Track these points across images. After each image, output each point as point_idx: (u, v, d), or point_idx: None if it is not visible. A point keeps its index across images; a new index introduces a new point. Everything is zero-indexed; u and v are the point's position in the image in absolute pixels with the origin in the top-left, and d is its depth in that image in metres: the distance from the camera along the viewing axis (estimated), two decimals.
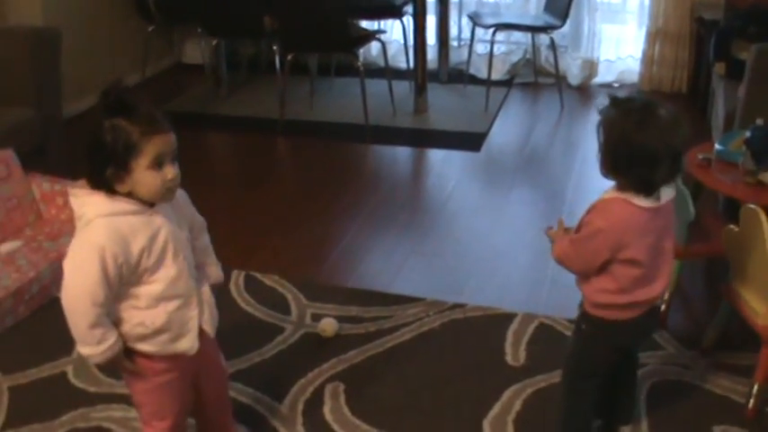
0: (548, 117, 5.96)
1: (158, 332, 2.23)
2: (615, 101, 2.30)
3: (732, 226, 3.01)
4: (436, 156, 5.39)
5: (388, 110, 5.90)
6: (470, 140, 5.48)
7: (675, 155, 2.25)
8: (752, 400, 2.93)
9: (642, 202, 2.29)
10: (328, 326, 3.37)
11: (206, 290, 2.38)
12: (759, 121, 3.26)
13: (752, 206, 2.84)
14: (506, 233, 4.25)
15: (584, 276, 2.45)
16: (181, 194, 2.35)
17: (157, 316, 2.21)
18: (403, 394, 3.04)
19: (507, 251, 4.05)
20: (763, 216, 2.77)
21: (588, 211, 2.36)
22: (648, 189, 2.28)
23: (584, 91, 6.41)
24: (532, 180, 4.91)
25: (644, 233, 2.32)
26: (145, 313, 2.21)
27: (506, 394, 3.02)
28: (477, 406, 2.97)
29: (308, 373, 3.14)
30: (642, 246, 2.33)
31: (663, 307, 3.47)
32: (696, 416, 2.93)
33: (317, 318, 3.45)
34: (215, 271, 2.51)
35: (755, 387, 2.92)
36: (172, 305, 2.23)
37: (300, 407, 2.97)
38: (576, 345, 2.62)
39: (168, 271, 2.21)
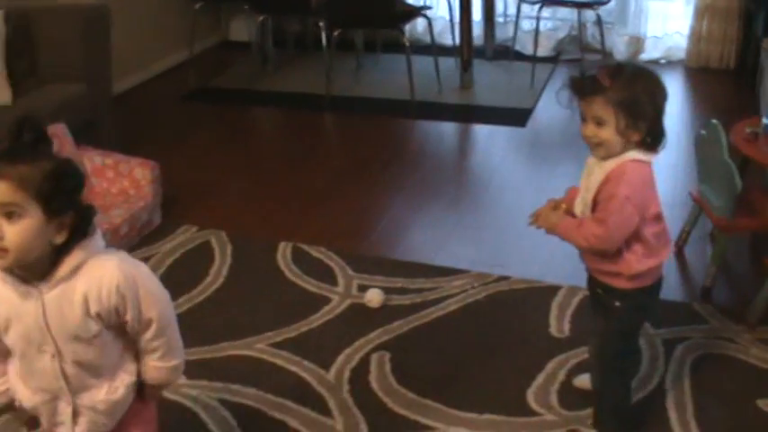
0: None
1: (32, 410, 2.02)
2: (613, 72, 2.24)
3: None
4: (482, 131, 5.42)
5: (434, 86, 5.93)
6: (516, 116, 5.49)
7: None
8: None
9: (647, 156, 2.30)
10: (374, 296, 3.42)
11: (98, 397, 1.99)
12: None
13: None
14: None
15: (614, 254, 2.38)
16: (121, 287, 1.87)
17: (24, 396, 2.00)
18: (447, 364, 3.09)
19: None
20: None
21: (603, 185, 2.30)
22: (663, 140, 2.31)
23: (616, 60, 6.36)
24: (577, 156, 4.83)
25: (653, 184, 2.36)
26: (15, 385, 2.01)
27: (550, 365, 3.06)
28: (520, 376, 3.01)
29: (355, 343, 3.20)
30: (657, 198, 2.38)
31: (708, 281, 3.49)
32: (740, 390, 2.94)
33: (363, 289, 3.51)
34: (151, 370, 2.04)
35: None
36: (38, 397, 1.98)
37: (347, 375, 3.03)
38: (615, 324, 2.54)
39: (30, 361, 1.93)
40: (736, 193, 3.24)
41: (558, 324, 3.30)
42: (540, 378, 3.00)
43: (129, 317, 1.91)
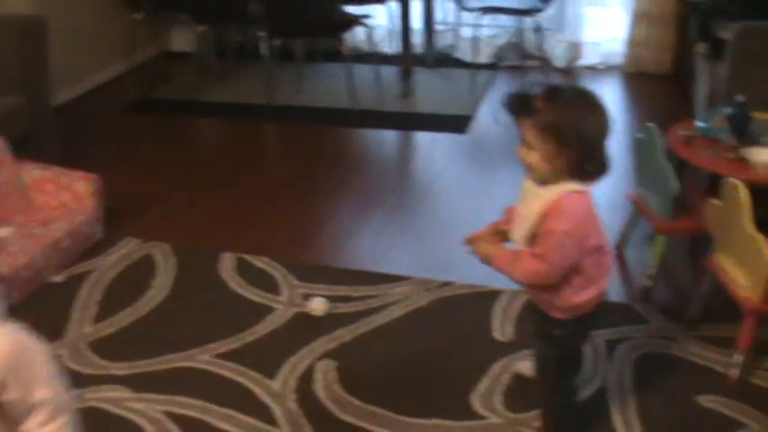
0: None
1: None
2: (550, 94, 2.14)
3: (714, 200, 3.07)
4: (423, 139, 5.45)
5: (375, 94, 5.94)
6: (456, 123, 5.52)
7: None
8: (735, 370, 3.00)
9: (584, 186, 2.22)
10: (318, 305, 3.42)
11: None
12: (740, 98, 3.32)
13: (733, 180, 2.90)
14: (493, 213, 4.24)
15: (552, 287, 2.34)
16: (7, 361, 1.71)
17: None
18: (392, 370, 3.10)
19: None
20: (744, 190, 2.83)
21: (542, 219, 2.22)
22: (594, 179, 2.22)
23: (570, 73, 6.45)
24: (517, 162, 4.92)
25: (594, 216, 2.29)
26: None
27: (494, 368, 3.08)
28: (465, 380, 3.03)
29: (299, 352, 3.20)
30: (597, 227, 2.31)
31: (648, 282, 3.54)
32: (681, 387, 2.99)
33: (307, 298, 3.51)
34: None
35: (739, 357, 2.99)
36: None
37: (292, 384, 3.03)
38: (554, 350, 2.53)
39: None
40: (673, 196, 3.30)
41: (502, 327, 3.32)
42: (485, 381, 3.02)
43: (12, 396, 1.71)
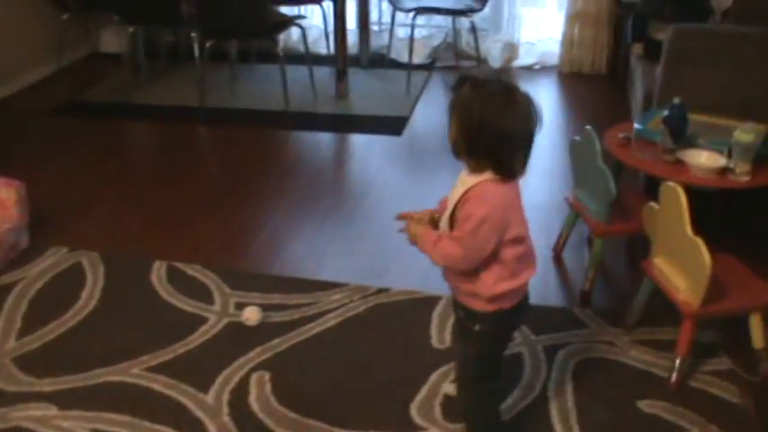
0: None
1: None
2: (474, 83, 2.14)
3: (652, 203, 3.05)
4: (358, 141, 5.37)
5: (310, 96, 5.87)
6: (392, 125, 5.47)
7: (531, 140, 2.17)
8: (675, 374, 2.98)
9: (506, 180, 2.20)
10: (252, 314, 3.33)
11: None
12: (676, 100, 3.30)
13: (671, 183, 2.88)
14: None
15: (471, 274, 2.29)
16: None
17: None
18: (329, 381, 3.02)
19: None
20: (681, 193, 2.81)
21: (462, 204, 2.20)
22: (508, 174, 2.18)
23: (506, 73, 6.43)
24: (455, 164, 4.87)
25: (516, 206, 2.26)
26: None
27: (433, 377, 3.02)
28: (404, 390, 2.96)
29: (233, 363, 3.10)
30: (520, 219, 2.28)
31: (587, 285, 3.51)
32: (620, 392, 2.97)
33: (240, 306, 3.41)
34: None
35: (678, 360, 2.97)
36: None
37: (226, 397, 2.93)
38: (473, 348, 2.45)
39: None
40: (611, 199, 3.27)
41: (440, 335, 3.27)
42: (424, 391, 2.96)
43: None
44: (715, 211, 3.73)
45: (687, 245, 2.82)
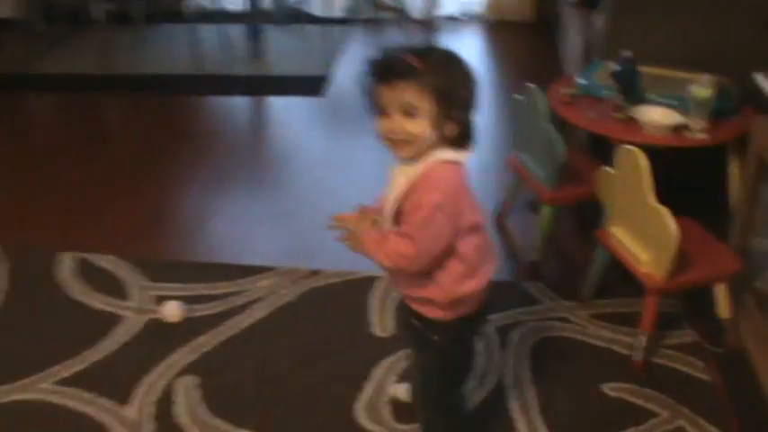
0: None
1: None
2: (421, 54, 1.84)
3: (607, 168, 2.81)
4: (277, 104, 5.04)
5: (222, 57, 5.51)
6: (313, 85, 5.16)
7: None
8: (639, 352, 2.76)
9: (459, 156, 1.91)
10: (173, 309, 3.01)
11: None
12: (626, 53, 3.05)
13: (630, 148, 2.63)
14: (358, 185, 3.94)
15: (424, 276, 1.98)
16: None
17: None
18: (264, 382, 2.72)
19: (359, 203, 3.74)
20: (643, 158, 2.57)
21: (409, 193, 1.89)
22: (472, 136, 1.93)
23: (428, 24, 6.14)
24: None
25: (469, 188, 1.96)
26: None
27: (377, 372, 2.75)
28: (346, 388, 2.68)
29: (156, 369, 2.77)
30: (474, 204, 1.99)
31: (536, 256, 3.27)
32: (582, 375, 2.75)
33: (160, 301, 3.09)
34: None
35: (642, 338, 2.75)
36: None
37: (150, 410, 2.61)
38: (435, 362, 2.14)
39: None
40: (559, 163, 3.02)
41: (380, 321, 2.99)
42: (369, 388, 2.68)
43: None
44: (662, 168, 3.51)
45: (649, 214, 2.59)
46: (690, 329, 2.95)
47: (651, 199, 2.57)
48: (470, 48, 5.68)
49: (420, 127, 1.84)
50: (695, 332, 2.94)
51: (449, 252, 1.95)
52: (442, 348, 2.10)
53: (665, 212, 2.52)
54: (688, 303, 3.02)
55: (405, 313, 2.15)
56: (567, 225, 3.55)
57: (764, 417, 2.58)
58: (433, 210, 1.86)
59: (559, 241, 3.44)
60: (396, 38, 5.82)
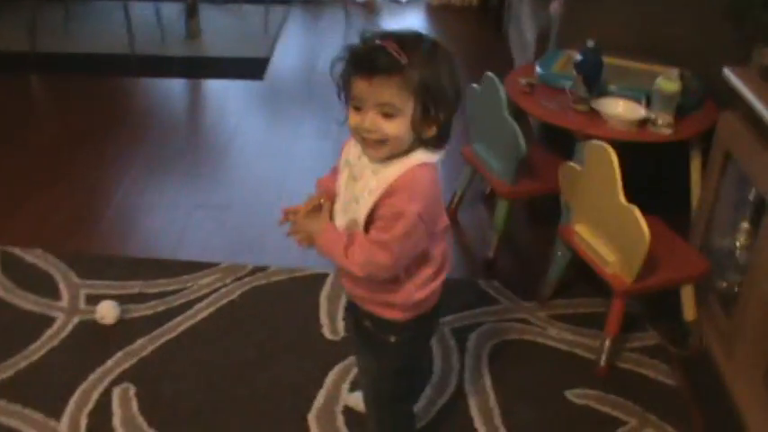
0: (333, 35, 5.49)
1: None
2: (405, 44, 1.64)
3: (572, 163, 2.67)
4: (215, 87, 4.80)
5: (157, 36, 5.25)
6: (252, 67, 4.94)
7: None
8: (603, 357, 2.64)
9: (435, 156, 1.75)
10: (108, 310, 2.79)
11: None
12: (590, 43, 2.91)
13: (599, 143, 2.50)
14: (301, 173, 3.76)
15: (389, 281, 1.83)
16: None
17: None
18: (207, 389, 2.53)
19: (302, 197, 3.54)
20: (613, 155, 2.43)
21: (386, 198, 1.71)
22: (448, 135, 1.76)
23: (370, 5, 5.96)
24: (324, 108, 4.41)
25: (440, 190, 1.82)
26: None
27: (329, 379, 2.58)
28: (298, 397, 2.51)
29: (90, 376, 2.56)
30: (443, 204, 1.89)
31: (491, 253, 3.13)
32: (546, 381, 2.62)
33: (93, 300, 2.86)
34: None
35: (607, 342, 2.63)
36: None
37: (84, 422, 2.40)
38: (390, 363, 1.99)
39: None
40: (520, 157, 2.88)
41: (331, 323, 2.82)
42: (321, 397, 2.51)
43: None
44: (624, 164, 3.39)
45: (619, 213, 2.46)
46: (653, 331, 2.85)
47: (621, 197, 2.44)
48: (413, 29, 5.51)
49: (397, 128, 1.67)
50: (658, 334, 2.83)
51: (421, 257, 1.81)
52: (399, 349, 1.95)
53: (636, 212, 2.40)
54: (649, 304, 2.90)
55: (355, 314, 1.99)
56: (519, 220, 3.40)
57: (731, 421, 2.47)
58: (415, 220, 1.70)
59: (512, 237, 3.29)
60: (336, 19, 5.64)
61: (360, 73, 1.65)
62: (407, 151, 1.72)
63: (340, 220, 1.84)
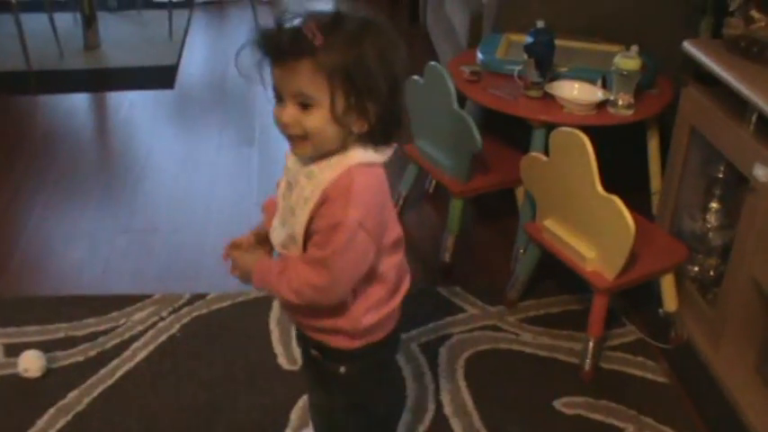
0: (241, 36, 5.15)
1: None
2: (328, 24, 1.41)
3: (536, 154, 2.46)
4: (123, 99, 4.45)
5: (54, 50, 4.87)
6: (160, 76, 4.63)
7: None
8: (588, 360, 2.44)
9: (380, 155, 1.51)
10: (31, 361, 2.46)
11: None
12: (540, 24, 2.70)
13: (570, 130, 2.29)
14: (228, 185, 3.49)
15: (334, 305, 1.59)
16: None
17: None
18: None
19: (235, 212, 3.28)
20: (587, 142, 2.22)
21: (320, 207, 1.48)
22: (398, 128, 1.53)
23: (277, 4, 5.65)
24: (242, 115, 4.13)
25: (390, 197, 1.60)
26: None
27: (295, 414, 2.30)
28: None
29: None
30: (394, 213, 1.63)
31: (447, 257, 2.90)
32: (530, 392, 2.41)
33: (13, 351, 2.52)
34: None
35: (590, 343, 2.43)
36: None
37: None
38: (342, 397, 1.75)
39: None
40: (475, 151, 2.65)
41: (286, 350, 2.55)
42: None
43: None
44: None
45: (597, 205, 2.26)
46: (630, 326, 2.66)
47: (598, 187, 2.24)
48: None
49: (316, 121, 1.43)
50: (636, 329, 2.65)
51: (368, 276, 1.57)
52: (350, 381, 1.70)
53: (618, 203, 2.20)
54: (623, 297, 2.70)
55: (303, 343, 1.75)
56: (468, 218, 3.15)
57: (726, 413, 2.32)
58: (353, 229, 1.46)
59: (465, 237, 3.04)
60: (243, 19, 5.35)
61: (272, 59, 1.42)
62: (344, 149, 1.48)
63: (278, 237, 1.60)
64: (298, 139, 1.47)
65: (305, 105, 1.43)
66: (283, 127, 1.46)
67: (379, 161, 1.51)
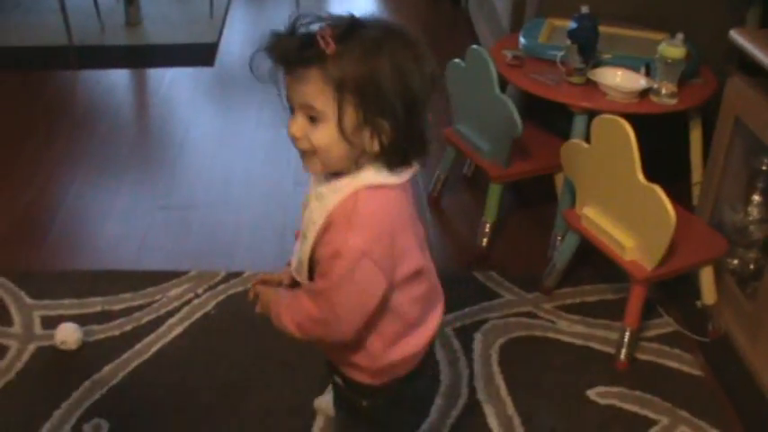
0: (282, 16, 5.14)
1: None
2: (343, 30, 1.31)
3: (577, 141, 2.43)
4: (162, 76, 4.46)
5: (95, 25, 4.89)
6: (200, 54, 4.63)
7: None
8: (624, 350, 2.42)
9: (394, 177, 1.39)
10: (68, 334, 2.48)
11: None
12: (584, 9, 2.67)
13: (612, 117, 2.26)
14: (265, 164, 3.49)
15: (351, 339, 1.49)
16: None
17: None
18: (187, 421, 2.25)
19: (272, 191, 3.27)
20: (630, 130, 2.19)
21: (325, 232, 1.39)
22: (423, 151, 1.42)
23: None
24: (277, 96, 4.10)
25: (410, 222, 1.46)
26: None
27: (326, 398, 2.30)
28: (295, 423, 2.23)
29: (55, 412, 2.24)
30: (416, 242, 1.47)
31: (484, 242, 2.88)
32: (564, 380, 2.39)
33: (50, 324, 2.55)
34: None
35: (627, 334, 2.41)
36: None
37: None
38: (365, 427, 1.68)
39: None
40: (516, 136, 2.63)
41: None
42: (320, 421, 2.24)
43: None
44: None
45: (637, 194, 2.23)
46: (668, 317, 2.63)
47: (640, 176, 2.21)
48: (364, 10, 5.23)
49: (323, 137, 1.34)
50: (673, 320, 2.62)
51: (381, 310, 1.46)
52: (373, 414, 1.63)
53: (659, 192, 2.17)
54: (658, 288, 2.67)
55: (328, 366, 1.66)
56: (506, 203, 3.11)
57: (762, 407, 2.31)
58: (355, 258, 1.35)
59: (502, 223, 3.03)
60: (283, 1, 5.34)
61: (283, 67, 1.35)
62: (357, 170, 1.38)
63: (294, 261, 1.53)
64: (307, 153, 1.39)
65: (312, 118, 1.35)
66: (292, 140, 1.39)
67: (393, 183, 1.39)
